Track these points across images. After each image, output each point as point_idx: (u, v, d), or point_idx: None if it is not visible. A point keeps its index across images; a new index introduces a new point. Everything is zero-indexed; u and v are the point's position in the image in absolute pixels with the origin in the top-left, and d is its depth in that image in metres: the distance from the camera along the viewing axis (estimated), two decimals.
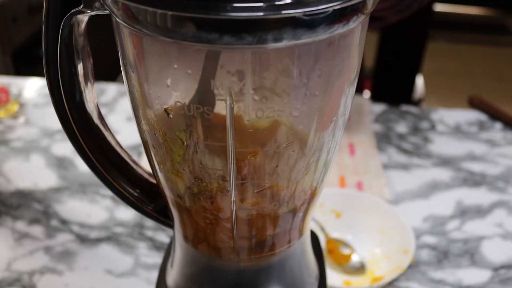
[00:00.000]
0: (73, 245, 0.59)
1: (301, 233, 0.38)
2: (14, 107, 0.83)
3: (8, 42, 1.40)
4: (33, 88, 0.89)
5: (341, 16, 0.25)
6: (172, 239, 0.41)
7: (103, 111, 0.84)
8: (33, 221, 0.63)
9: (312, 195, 0.35)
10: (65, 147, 0.74)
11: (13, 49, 1.42)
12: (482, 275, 0.57)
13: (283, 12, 0.23)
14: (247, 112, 0.27)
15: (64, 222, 0.63)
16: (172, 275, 0.40)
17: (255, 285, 0.38)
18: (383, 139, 0.78)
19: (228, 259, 0.36)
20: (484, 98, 0.86)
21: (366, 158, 0.74)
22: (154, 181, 0.38)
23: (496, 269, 0.58)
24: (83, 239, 0.60)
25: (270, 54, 0.26)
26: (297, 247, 0.38)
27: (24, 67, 1.47)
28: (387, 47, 1.11)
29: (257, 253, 0.36)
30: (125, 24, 0.26)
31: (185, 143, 0.30)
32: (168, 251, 0.43)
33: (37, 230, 0.61)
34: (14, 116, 0.82)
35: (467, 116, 0.84)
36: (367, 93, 1.14)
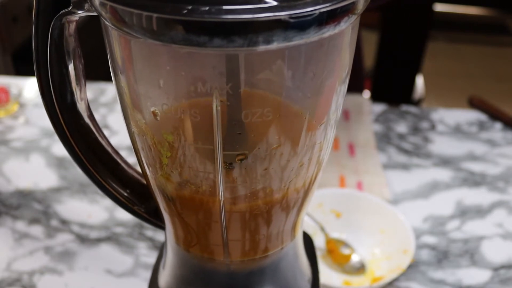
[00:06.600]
0: (73, 245, 0.59)
1: (293, 234, 0.37)
2: (14, 107, 0.83)
3: (8, 42, 1.40)
4: (33, 88, 0.89)
5: (332, 17, 0.24)
6: (164, 241, 0.41)
7: (103, 111, 0.84)
8: (33, 221, 0.63)
9: (305, 195, 0.35)
10: None
11: (13, 49, 1.42)
12: (482, 275, 0.57)
13: (274, 14, 0.23)
14: (236, 114, 0.27)
15: (64, 222, 0.63)
16: (164, 277, 0.40)
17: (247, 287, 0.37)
18: (383, 139, 0.78)
19: (219, 261, 0.36)
20: (484, 98, 0.86)
21: (366, 158, 0.74)
22: (146, 182, 0.38)
23: (496, 269, 0.58)
24: (83, 239, 0.60)
25: (260, 55, 0.25)
26: (290, 249, 0.38)
27: (24, 67, 1.47)
28: (387, 47, 1.11)
29: (249, 256, 0.36)
30: (114, 27, 0.26)
31: (172, 146, 0.30)
32: (161, 252, 0.43)
33: (37, 230, 0.61)
34: (14, 116, 0.82)
35: (467, 116, 0.84)
36: (367, 93, 1.14)
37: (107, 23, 0.26)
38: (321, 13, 0.24)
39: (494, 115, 0.83)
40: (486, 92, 2.33)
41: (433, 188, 0.69)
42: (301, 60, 0.26)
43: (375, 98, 1.00)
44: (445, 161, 0.74)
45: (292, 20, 0.23)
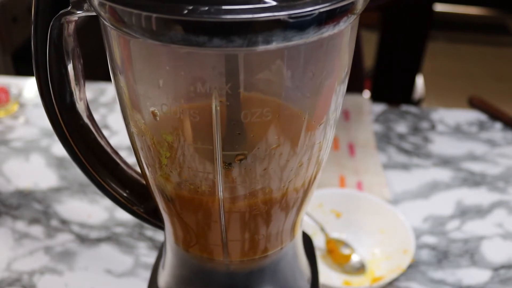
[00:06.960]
0: (73, 245, 0.59)
1: (293, 235, 0.37)
2: (14, 107, 0.83)
3: (8, 42, 1.40)
4: (33, 88, 0.89)
5: (331, 17, 0.24)
6: (164, 241, 0.41)
7: (103, 111, 0.84)
8: (33, 221, 0.63)
9: (305, 195, 0.35)
10: None
11: (13, 49, 1.42)
12: (482, 275, 0.57)
13: (273, 14, 0.23)
14: (235, 114, 0.27)
15: (64, 222, 0.63)
16: (164, 277, 0.40)
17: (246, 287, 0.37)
18: (383, 139, 0.78)
19: (219, 261, 0.36)
20: (484, 98, 0.86)
21: (366, 158, 0.74)
22: (145, 183, 0.38)
23: (496, 269, 0.58)
24: (83, 239, 0.60)
25: (259, 55, 0.25)
26: (289, 249, 0.38)
27: (24, 67, 1.47)
28: (387, 47, 1.12)
29: (248, 256, 0.36)
30: (113, 27, 0.26)
31: (171, 146, 0.30)
32: (160, 252, 0.43)
33: (37, 230, 0.61)
34: (14, 116, 0.82)
35: (467, 116, 0.84)
36: (367, 93, 1.14)
37: (106, 23, 0.26)
38: (320, 13, 0.24)
39: (494, 115, 0.83)
40: (486, 92, 2.33)
41: (433, 188, 0.69)
42: (301, 60, 0.26)
43: (375, 98, 1.00)
44: (445, 161, 0.74)
45: (291, 20, 0.23)
